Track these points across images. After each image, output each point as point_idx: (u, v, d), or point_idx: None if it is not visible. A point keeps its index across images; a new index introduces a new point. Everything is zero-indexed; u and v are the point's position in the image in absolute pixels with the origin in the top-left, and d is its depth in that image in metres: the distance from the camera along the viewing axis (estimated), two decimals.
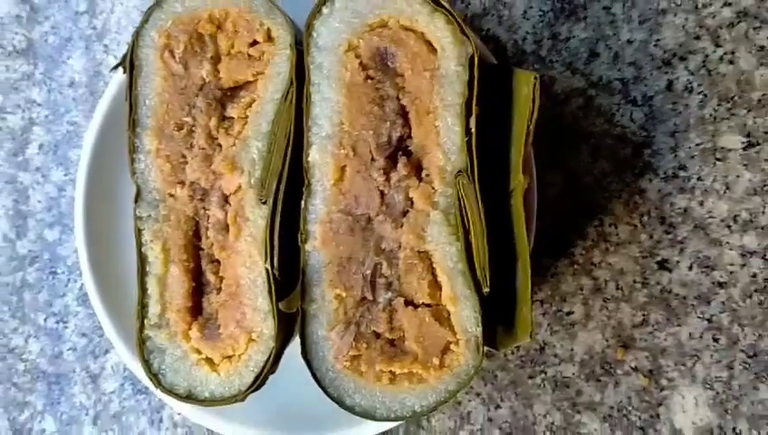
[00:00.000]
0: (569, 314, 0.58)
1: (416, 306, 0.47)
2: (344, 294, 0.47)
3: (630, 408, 0.57)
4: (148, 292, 0.50)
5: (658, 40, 0.57)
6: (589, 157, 0.58)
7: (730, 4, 0.56)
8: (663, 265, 0.57)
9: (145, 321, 0.50)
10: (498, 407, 0.59)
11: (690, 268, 0.56)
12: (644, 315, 0.57)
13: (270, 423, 0.57)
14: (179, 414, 0.64)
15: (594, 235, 0.58)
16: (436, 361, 0.46)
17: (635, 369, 0.57)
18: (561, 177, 0.58)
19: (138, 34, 0.51)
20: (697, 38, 0.56)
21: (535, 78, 0.45)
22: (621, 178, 0.57)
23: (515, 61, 0.59)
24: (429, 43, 0.47)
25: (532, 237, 0.52)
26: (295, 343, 0.49)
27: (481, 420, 0.59)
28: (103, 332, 0.67)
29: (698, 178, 0.56)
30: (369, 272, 0.47)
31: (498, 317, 0.48)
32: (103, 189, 0.61)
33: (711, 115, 0.56)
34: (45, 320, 0.69)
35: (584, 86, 0.58)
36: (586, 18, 0.58)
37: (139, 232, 0.50)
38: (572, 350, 0.58)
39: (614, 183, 0.57)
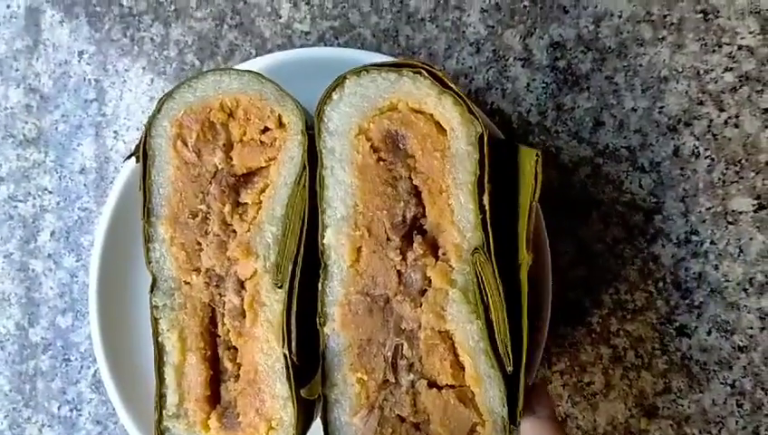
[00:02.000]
0: (589, 384, 0.57)
1: (439, 388, 0.46)
2: (366, 378, 0.47)
3: None
4: (166, 381, 0.50)
5: (662, 107, 0.58)
6: (600, 224, 0.58)
7: (731, 69, 0.57)
8: (682, 331, 0.56)
9: (163, 411, 0.50)
10: None
11: (709, 333, 0.56)
12: (665, 383, 0.56)
13: None
14: None
15: (610, 302, 0.57)
16: None
17: None
18: (573, 245, 0.58)
19: (150, 124, 0.52)
20: (701, 103, 0.57)
21: (537, 155, 0.46)
22: (634, 245, 0.57)
23: (521, 132, 0.60)
24: (439, 124, 0.48)
25: (548, 310, 0.52)
26: (315, 427, 0.48)
27: None
28: (117, 419, 0.66)
29: (711, 242, 0.56)
30: (390, 354, 0.47)
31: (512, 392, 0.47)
32: (116, 275, 0.62)
33: (719, 179, 0.56)
34: (59, 408, 0.68)
35: (591, 155, 0.59)
36: (589, 88, 0.59)
37: (155, 321, 0.50)
38: (595, 421, 0.57)
39: (627, 250, 0.58)
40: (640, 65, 0.58)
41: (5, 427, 0.69)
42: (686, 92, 0.58)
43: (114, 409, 0.65)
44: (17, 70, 0.73)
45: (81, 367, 0.68)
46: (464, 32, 0.62)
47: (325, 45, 0.65)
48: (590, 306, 0.58)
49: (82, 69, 0.71)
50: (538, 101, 0.60)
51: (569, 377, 0.58)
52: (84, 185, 0.70)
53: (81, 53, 0.71)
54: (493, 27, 0.61)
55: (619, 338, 0.57)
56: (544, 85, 0.60)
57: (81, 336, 0.69)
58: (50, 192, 0.71)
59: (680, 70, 0.58)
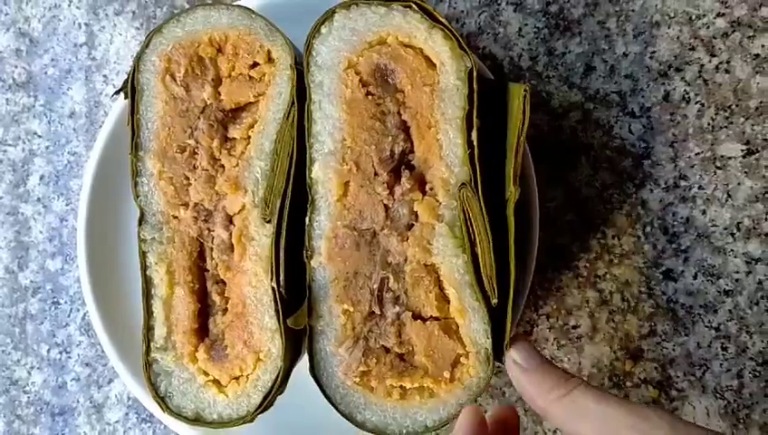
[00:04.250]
0: (575, 327, 0.58)
1: (424, 320, 0.46)
2: (352, 310, 0.47)
3: None
4: (154, 314, 0.50)
5: (654, 52, 0.58)
6: (589, 169, 0.58)
7: (723, 15, 0.57)
8: (668, 275, 0.57)
9: (151, 344, 0.50)
10: None
11: (695, 277, 0.56)
12: (651, 326, 0.57)
13: None
14: None
15: (597, 247, 0.58)
16: (446, 374, 0.46)
17: (644, 380, 0.57)
18: (562, 190, 0.58)
19: (138, 59, 0.51)
20: (692, 49, 0.57)
21: (525, 90, 0.46)
22: (622, 190, 0.58)
23: (512, 77, 0.60)
24: (428, 59, 0.48)
25: (535, 250, 0.52)
26: (303, 362, 0.49)
27: None
28: (107, 361, 0.67)
29: (699, 187, 0.56)
30: (376, 286, 0.47)
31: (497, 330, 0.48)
32: (105, 218, 0.61)
33: (709, 124, 0.57)
34: (48, 351, 0.68)
35: (581, 100, 0.59)
36: (581, 33, 0.59)
37: (143, 254, 0.50)
38: (580, 363, 0.57)
39: (615, 195, 0.58)
40: (632, 10, 0.58)
41: None
42: (678, 38, 0.57)
43: (103, 351, 0.66)
44: (6, 14, 0.72)
45: (71, 310, 0.68)
46: None
47: None
48: (577, 251, 0.58)
49: (72, 13, 0.70)
50: (529, 46, 0.60)
51: (555, 320, 0.58)
52: (74, 129, 0.69)
53: None
54: None
55: (606, 282, 0.57)
56: (536, 30, 0.60)
57: (70, 280, 0.69)
58: (39, 136, 0.70)
59: (672, 15, 0.58)
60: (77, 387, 0.68)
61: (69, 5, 0.70)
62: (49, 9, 0.71)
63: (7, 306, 0.70)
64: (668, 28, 0.58)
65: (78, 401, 0.68)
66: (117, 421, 0.67)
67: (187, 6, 0.67)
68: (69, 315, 0.68)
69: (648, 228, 0.57)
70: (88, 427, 0.67)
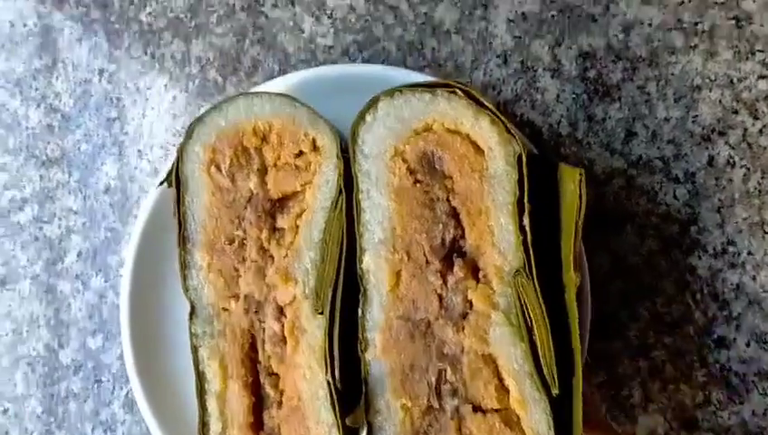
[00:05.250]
0: (628, 397, 0.57)
1: (484, 412, 0.46)
2: (410, 404, 0.46)
3: None
4: (209, 410, 0.50)
5: (696, 116, 0.57)
6: (635, 237, 0.58)
7: (765, 77, 0.56)
8: (720, 342, 0.56)
9: None
10: None
11: (748, 345, 0.56)
12: (705, 395, 0.56)
13: None
14: None
15: (647, 315, 0.57)
16: None
17: None
18: (608, 258, 0.58)
19: (182, 150, 0.51)
20: (735, 112, 0.57)
21: (581, 174, 0.45)
22: (670, 257, 0.57)
23: (552, 144, 0.59)
24: (475, 144, 0.47)
25: (587, 325, 0.52)
26: None
27: None
28: None
29: (748, 253, 0.56)
30: (433, 379, 0.46)
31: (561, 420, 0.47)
32: (147, 295, 0.61)
33: (755, 188, 0.56)
34: (93, 430, 0.68)
35: (624, 166, 0.58)
36: (620, 98, 0.59)
37: (195, 349, 0.50)
38: (635, 434, 0.57)
39: (663, 262, 0.57)
40: (672, 74, 0.58)
41: None
42: (720, 101, 0.57)
43: (148, 430, 0.65)
44: (36, 89, 0.72)
45: (114, 388, 0.68)
46: (490, 43, 0.61)
47: (349, 59, 0.64)
48: (626, 320, 0.57)
49: (103, 87, 0.70)
50: (568, 113, 0.59)
51: (607, 390, 0.57)
52: (110, 205, 0.69)
53: (101, 72, 0.70)
54: (520, 38, 0.61)
55: (657, 351, 0.57)
56: (574, 96, 0.59)
57: (111, 357, 0.68)
58: (75, 213, 0.70)
59: (713, 78, 0.57)
60: None
61: (99, 80, 0.70)
62: (79, 84, 0.71)
63: (49, 385, 0.70)
64: (710, 92, 0.57)
65: None
66: None
67: (219, 79, 0.67)
68: (112, 393, 0.68)
69: (698, 296, 0.56)
70: None
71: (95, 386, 0.68)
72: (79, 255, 0.70)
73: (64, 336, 0.70)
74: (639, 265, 0.57)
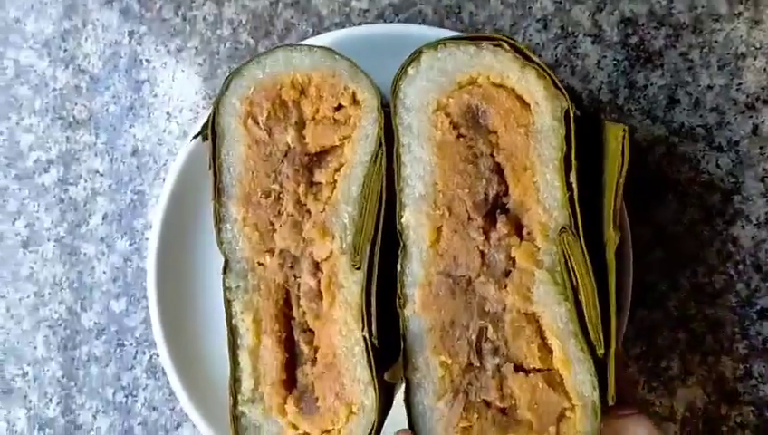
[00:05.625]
0: (667, 369, 0.56)
1: (526, 372, 0.45)
2: (450, 362, 0.45)
3: None
4: (241, 365, 0.49)
5: (740, 84, 0.56)
6: (677, 205, 0.56)
7: None
8: (763, 314, 0.55)
9: (239, 396, 0.48)
10: None
11: None
12: (746, 368, 0.55)
13: None
14: None
15: (688, 286, 0.56)
16: (552, 430, 0.44)
17: (740, 425, 0.55)
18: (649, 227, 0.57)
19: (218, 102, 0.50)
20: None
21: (624, 130, 0.44)
22: (712, 227, 0.56)
23: (592, 110, 0.58)
24: (521, 99, 0.46)
25: (629, 292, 0.51)
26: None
27: None
28: (174, 404, 0.65)
29: None
30: (474, 336, 0.45)
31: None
32: (174, 258, 0.61)
33: None
34: (114, 394, 0.67)
35: (666, 134, 0.57)
36: (663, 65, 0.57)
37: (228, 303, 0.49)
38: (672, 407, 0.55)
39: (705, 231, 0.56)
40: (716, 41, 0.57)
41: (58, 413, 0.68)
42: (765, 69, 0.56)
43: (171, 395, 0.64)
44: (65, 50, 0.71)
45: (136, 352, 0.67)
46: (530, 8, 0.60)
47: (384, 23, 0.63)
48: (667, 290, 0.56)
49: (133, 49, 0.69)
50: (609, 79, 0.58)
51: (645, 362, 0.56)
52: (137, 167, 0.69)
53: (131, 33, 0.69)
54: (560, 3, 0.60)
55: (698, 322, 0.55)
56: (615, 62, 0.58)
57: (135, 321, 0.67)
58: (101, 175, 0.69)
59: (758, 46, 0.56)
60: (144, 432, 0.66)
61: (129, 42, 0.69)
62: (109, 45, 0.70)
63: (71, 349, 0.69)
64: (754, 60, 0.56)
65: None
66: None
67: (251, 42, 0.66)
68: (135, 357, 0.67)
69: (741, 266, 0.55)
70: None
71: (117, 350, 0.68)
72: (104, 217, 0.69)
73: (87, 299, 0.69)
74: (681, 234, 0.56)
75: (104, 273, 0.69)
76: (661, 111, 0.57)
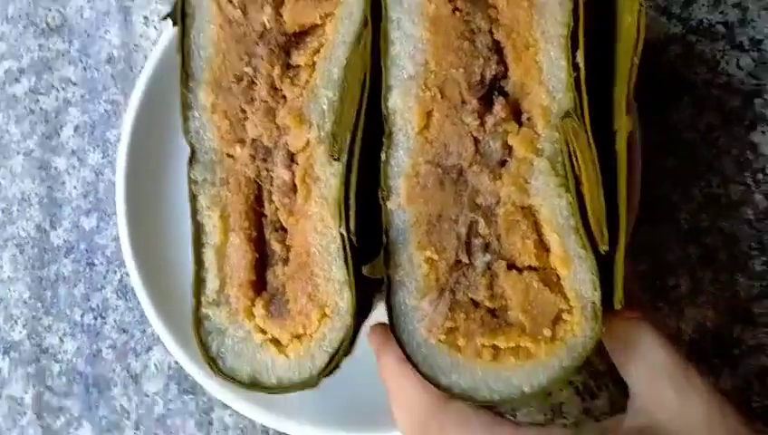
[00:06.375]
0: (674, 287, 0.51)
1: (520, 270, 0.40)
2: (436, 257, 0.40)
3: (750, 393, 0.50)
4: (206, 265, 0.44)
5: None
6: (692, 109, 0.52)
7: None
8: None
9: (202, 298, 0.44)
10: (595, 396, 0.52)
11: None
12: (762, 286, 0.50)
13: (338, 420, 0.51)
14: (231, 415, 0.58)
15: (701, 197, 0.51)
16: (546, 332, 0.39)
17: (754, 348, 0.50)
18: (662, 133, 0.52)
19: None
20: None
21: (641, 4, 0.39)
22: (730, 133, 0.51)
23: None
24: None
25: (638, 189, 0.46)
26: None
27: (575, 412, 0.52)
28: (146, 327, 0.61)
29: None
30: (463, 231, 0.41)
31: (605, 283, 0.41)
32: (146, 171, 0.58)
33: None
34: (82, 316, 0.63)
35: (683, 32, 0.52)
36: None
37: (193, 198, 0.44)
38: (680, 329, 0.51)
39: (722, 138, 0.51)
40: None
41: (24, 336, 0.64)
42: None
43: (142, 316, 0.60)
44: None
45: (107, 272, 0.63)
46: None
47: None
48: (678, 201, 0.52)
49: None
50: None
51: (651, 280, 0.52)
52: (111, 76, 0.64)
53: None
54: None
55: (711, 236, 0.51)
56: None
57: (106, 238, 0.63)
58: (74, 84, 0.65)
59: None
60: (113, 355, 0.62)
61: None
62: None
63: (38, 268, 0.64)
64: None
65: (114, 371, 0.62)
66: (156, 393, 0.61)
67: None
68: (105, 277, 0.63)
69: (760, 175, 0.51)
70: (125, 399, 0.62)
71: (87, 269, 0.63)
72: (76, 129, 0.65)
73: (57, 216, 0.64)
74: (696, 140, 0.52)
75: (75, 188, 0.64)
76: (678, 7, 0.52)
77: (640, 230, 0.51)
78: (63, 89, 0.65)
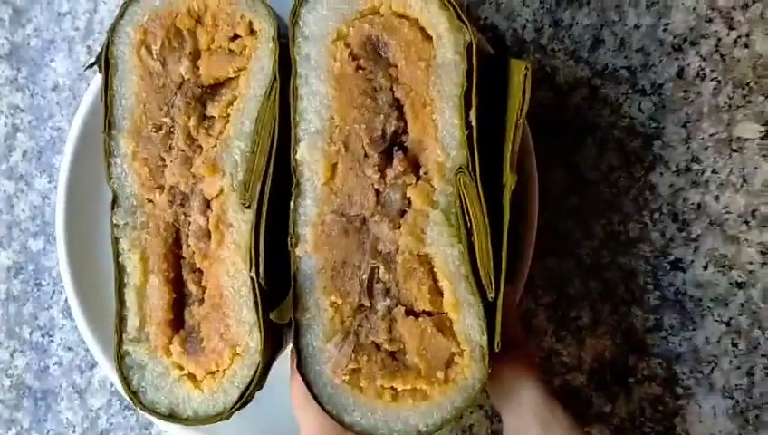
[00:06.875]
0: (576, 318, 0.55)
1: (416, 315, 0.43)
2: (340, 302, 0.44)
3: (643, 419, 0.53)
4: (127, 304, 0.47)
5: (668, 24, 0.54)
6: (595, 150, 0.54)
7: None
8: (676, 265, 0.53)
9: (123, 335, 0.47)
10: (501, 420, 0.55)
11: (705, 268, 0.53)
12: (656, 319, 0.53)
13: None
14: (167, 432, 0.61)
15: (602, 234, 0.54)
16: (440, 375, 0.42)
17: (648, 377, 0.54)
18: (566, 172, 0.55)
19: (113, 31, 0.48)
20: (709, 21, 0.53)
21: (527, 67, 0.42)
22: (630, 173, 0.54)
23: (515, 50, 0.56)
24: (424, 31, 0.44)
25: (533, 236, 0.49)
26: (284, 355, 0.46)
27: (484, 433, 0.56)
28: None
29: (713, 171, 0.53)
30: (365, 277, 0.44)
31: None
32: (85, 198, 0.58)
33: (725, 103, 0.53)
34: (31, 334, 0.66)
35: (589, 75, 0.55)
36: (589, 3, 0.55)
37: (116, 241, 0.47)
38: (581, 357, 0.54)
39: (622, 178, 0.54)
40: None
41: None
42: (694, 9, 0.53)
43: None
44: None
45: (54, 292, 0.66)
46: None
47: None
48: (580, 238, 0.54)
49: None
50: (534, 17, 0.56)
51: (554, 311, 0.55)
52: (57, 103, 0.66)
53: None
54: None
55: (610, 271, 0.54)
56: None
57: (52, 260, 0.66)
58: (22, 110, 0.67)
59: None
60: (59, 371, 0.65)
61: None
62: None
63: None
64: None
65: (61, 386, 0.65)
66: (100, 408, 0.64)
67: None
68: (51, 297, 0.66)
69: (657, 215, 0.54)
70: (71, 412, 0.65)
71: (35, 289, 0.66)
72: (24, 154, 0.67)
73: (6, 237, 0.67)
74: (598, 180, 0.54)
75: (23, 211, 0.67)
76: (585, 52, 0.55)
77: (545, 265, 0.55)
78: (12, 115, 0.67)
